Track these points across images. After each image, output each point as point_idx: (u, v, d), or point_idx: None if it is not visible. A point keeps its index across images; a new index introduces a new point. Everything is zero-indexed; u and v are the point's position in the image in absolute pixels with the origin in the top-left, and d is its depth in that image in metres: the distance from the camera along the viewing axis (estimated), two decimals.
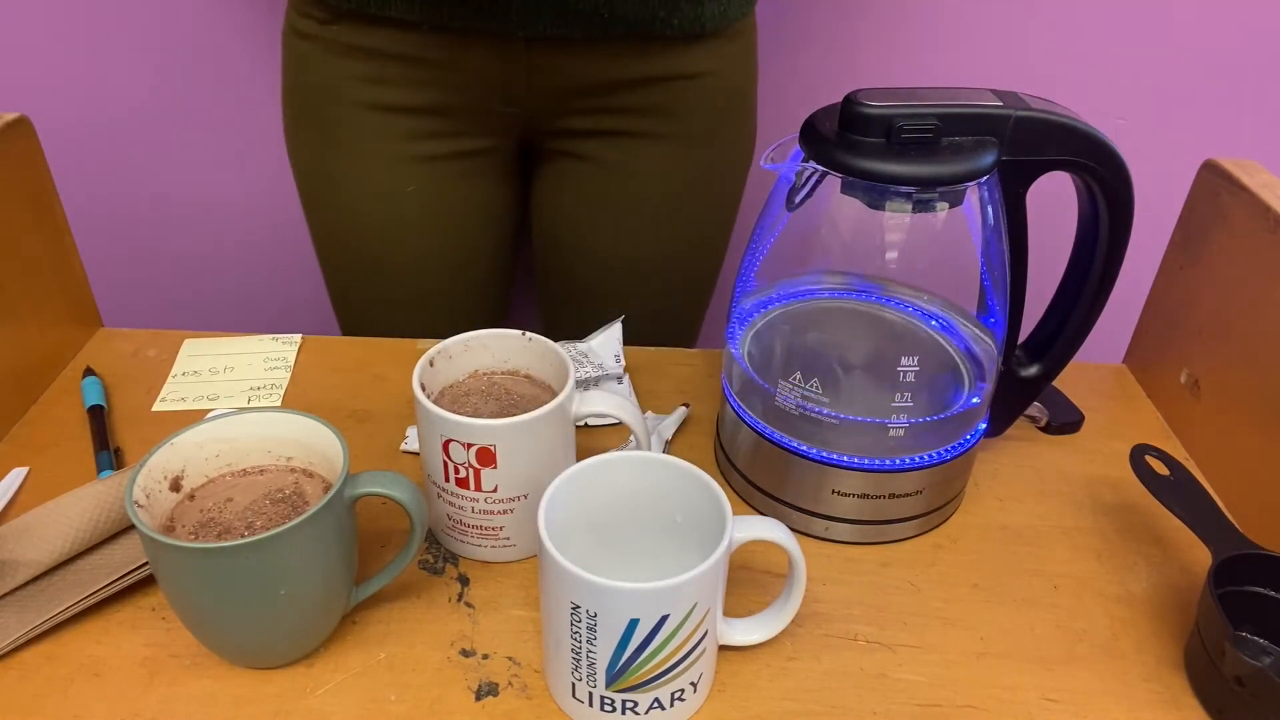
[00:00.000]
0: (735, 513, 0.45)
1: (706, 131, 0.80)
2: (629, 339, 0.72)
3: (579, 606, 0.42)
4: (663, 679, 0.44)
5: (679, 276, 0.88)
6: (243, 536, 0.45)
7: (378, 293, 0.85)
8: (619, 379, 0.69)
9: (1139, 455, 0.56)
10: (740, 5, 0.76)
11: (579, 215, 0.84)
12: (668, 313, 0.89)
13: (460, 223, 0.83)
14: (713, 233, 0.88)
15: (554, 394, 0.55)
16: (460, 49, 0.73)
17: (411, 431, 0.64)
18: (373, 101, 0.76)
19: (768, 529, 0.46)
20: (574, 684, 0.45)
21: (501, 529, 0.53)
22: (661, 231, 0.84)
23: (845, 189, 0.51)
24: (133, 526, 0.49)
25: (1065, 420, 0.67)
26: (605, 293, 0.87)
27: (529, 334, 0.56)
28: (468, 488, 0.52)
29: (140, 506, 0.44)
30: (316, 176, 0.82)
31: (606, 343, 0.71)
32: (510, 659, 0.49)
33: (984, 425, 0.58)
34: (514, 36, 0.72)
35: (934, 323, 0.60)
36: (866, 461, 0.55)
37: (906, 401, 0.53)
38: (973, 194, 0.52)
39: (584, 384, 0.67)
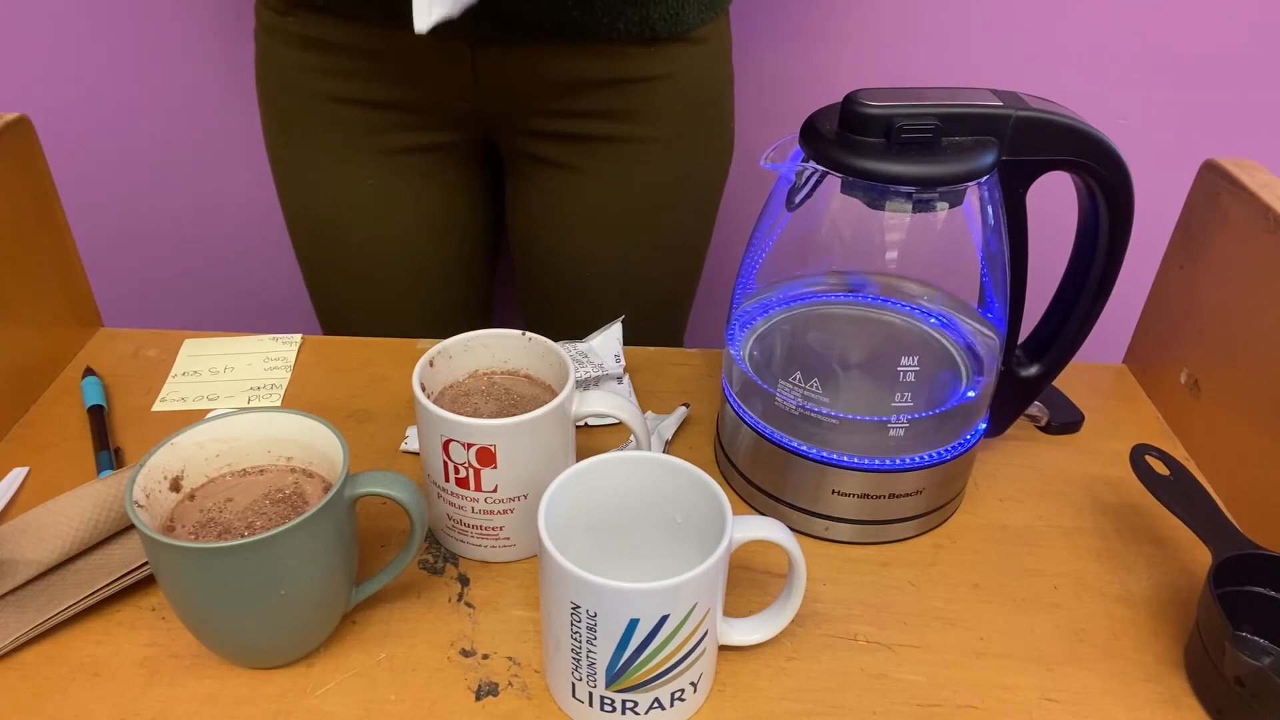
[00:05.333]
0: (735, 513, 0.45)
1: (672, 135, 0.80)
2: None
3: (579, 606, 0.42)
4: (663, 679, 0.44)
5: (657, 280, 0.88)
6: (243, 536, 0.45)
7: (351, 286, 0.86)
8: (619, 379, 0.69)
9: (1139, 455, 0.56)
10: (698, 11, 0.75)
11: (549, 219, 0.84)
12: (649, 315, 0.88)
13: (426, 218, 0.83)
14: (688, 236, 0.88)
15: (554, 394, 0.55)
16: (407, 44, 0.72)
17: (411, 431, 0.64)
18: (331, 94, 0.76)
19: (768, 529, 0.46)
20: (574, 684, 0.45)
21: (501, 529, 0.53)
22: (633, 236, 0.83)
23: (845, 189, 0.51)
24: (133, 526, 0.49)
25: (1065, 420, 0.67)
26: (583, 296, 0.87)
27: (529, 334, 0.56)
28: (468, 488, 0.52)
29: (140, 506, 0.44)
30: (286, 170, 0.83)
31: (606, 343, 0.71)
32: (510, 659, 0.49)
33: (984, 425, 0.58)
34: (458, 36, 0.71)
35: (933, 320, 0.60)
36: (866, 461, 0.55)
37: (906, 401, 0.53)
38: (973, 194, 0.52)
39: (584, 384, 0.67)
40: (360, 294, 0.86)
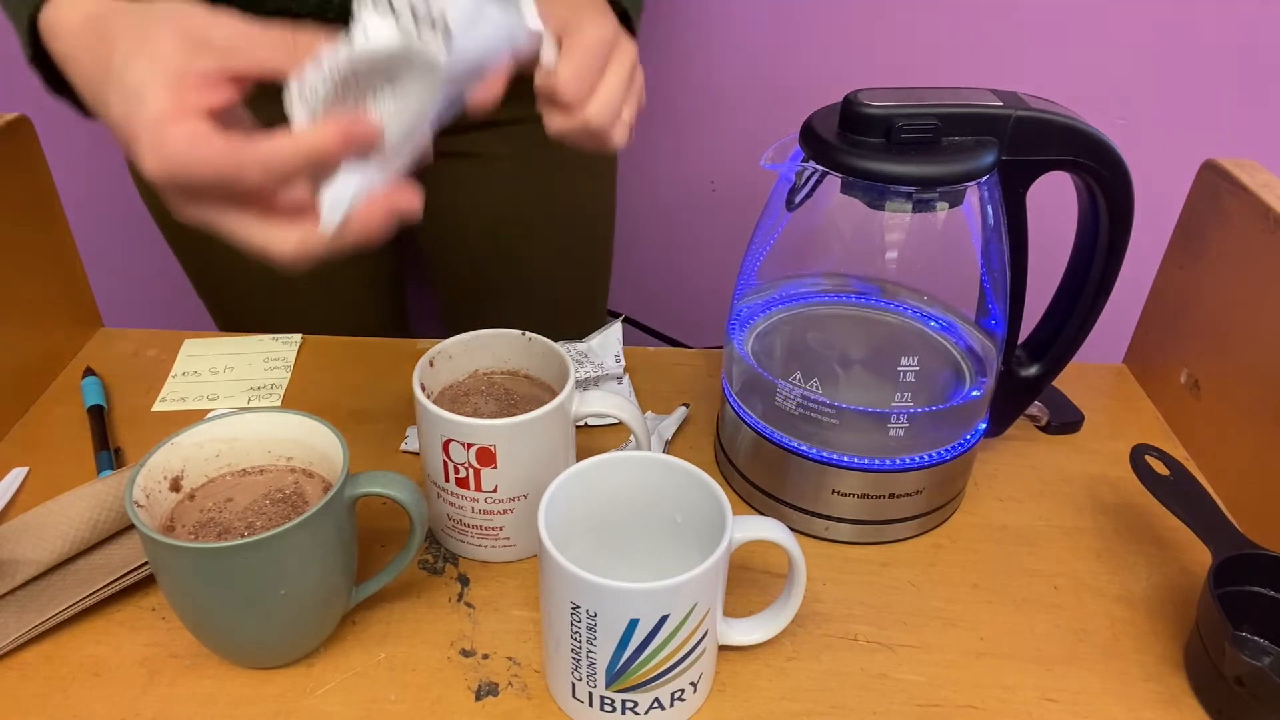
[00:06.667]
0: (735, 513, 0.45)
1: None
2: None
3: (579, 606, 0.42)
4: (663, 679, 0.44)
5: (572, 257, 0.88)
6: (243, 536, 0.45)
7: (253, 299, 0.83)
8: (619, 379, 0.69)
9: (1139, 455, 0.56)
10: None
11: (458, 211, 0.83)
12: (570, 294, 0.89)
13: None
14: (594, 207, 0.88)
15: (554, 394, 0.55)
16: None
17: (411, 431, 0.64)
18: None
19: (768, 529, 0.46)
20: (574, 684, 0.45)
21: (501, 529, 0.53)
22: (542, 212, 0.84)
23: (845, 189, 0.51)
24: (133, 526, 0.49)
25: (1065, 420, 0.67)
26: (503, 286, 0.87)
27: (529, 334, 0.56)
28: (468, 488, 0.52)
29: (140, 506, 0.44)
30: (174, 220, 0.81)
31: (606, 343, 0.71)
32: (510, 659, 0.49)
33: (984, 425, 0.58)
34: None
35: (933, 321, 0.60)
36: (866, 461, 0.55)
37: (906, 401, 0.53)
38: (973, 194, 0.52)
39: (584, 384, 0.67)
40: (273, 316, 0.83)
